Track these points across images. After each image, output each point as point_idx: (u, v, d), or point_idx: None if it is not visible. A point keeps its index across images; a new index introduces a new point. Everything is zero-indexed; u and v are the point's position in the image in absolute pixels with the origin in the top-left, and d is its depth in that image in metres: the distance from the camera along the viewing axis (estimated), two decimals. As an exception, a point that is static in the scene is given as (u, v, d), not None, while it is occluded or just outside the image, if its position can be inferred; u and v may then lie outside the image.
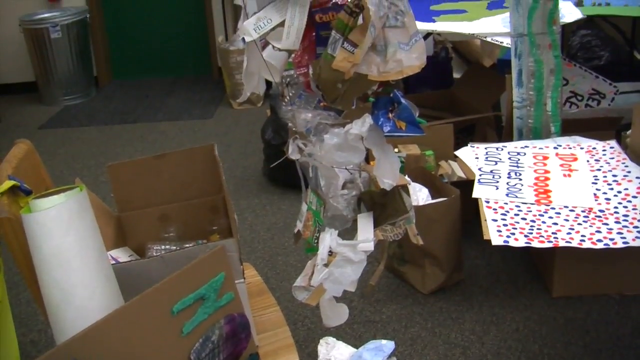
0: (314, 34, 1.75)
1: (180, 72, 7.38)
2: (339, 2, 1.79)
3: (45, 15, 6.67)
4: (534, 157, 3.11)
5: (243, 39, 1.62)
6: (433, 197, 3.22)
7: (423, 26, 3.60)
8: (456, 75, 4.97)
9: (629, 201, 2.73)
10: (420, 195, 3.18)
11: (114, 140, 5.60)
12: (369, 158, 1.79)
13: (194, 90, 6.84)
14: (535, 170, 3.00)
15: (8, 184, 1.62)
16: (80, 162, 5.15)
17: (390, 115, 1.64)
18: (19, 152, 1.87)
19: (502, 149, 3.20)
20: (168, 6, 7.19)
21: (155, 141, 5.49)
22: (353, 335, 2.99)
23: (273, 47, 1.67)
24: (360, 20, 1.55)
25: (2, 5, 6.93)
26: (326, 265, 1.75)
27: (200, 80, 7.18)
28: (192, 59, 7.37)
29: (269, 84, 1.93)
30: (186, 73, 7.37)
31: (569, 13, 3.61)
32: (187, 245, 2.10)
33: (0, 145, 5.54)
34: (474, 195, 2.86)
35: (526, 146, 3.22)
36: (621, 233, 2.54)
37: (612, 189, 2.83)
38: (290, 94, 1.82)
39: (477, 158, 3.14)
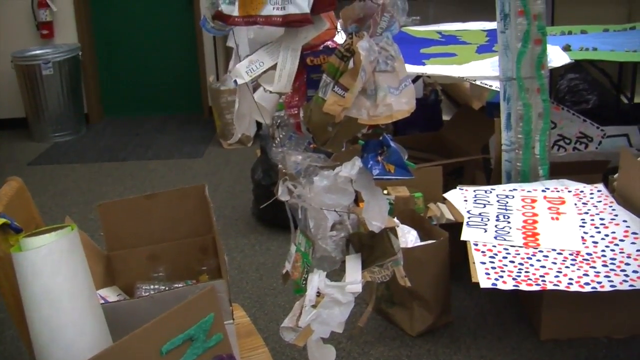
0: (304, 76, 1.77)
1: (171, 110, 7.41)
2: (330, 46, 1.82)
3: (38, 51, 6.69)
4: (522, 200, 3.13)
5: (235, 81, 1.64)
6: (422, 239, 3.23)
7: (413, 69, 3.64)
8: (445, 117, 5.02)
9: (616, 244, 2.75)
10: (409, 237, 3.19)
11: (104, 178, 5.60)
12: (357, 200, 1.80)
13: (185, 129, 6.86)
14: (523, 213, 3.01)
15: (-2, 222, 1.62)
16: (69, 199, 5.14)
17: (379, 158, 1.66)
18: (10, 189, 1.88)
19: (491, 192, 3.22)
20: (160, 45, 7.24)
21: (144, 179, 5.49)
22: (341, 377, 2.98)
23: (264, 89, 1.69)
24: (351, 65, 1.57)
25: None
26: (314, 306, 1.75)
27: (191, 119, 7.20)
28: (183, 97, 7.40)
29: (259, 124, 1.95)
30: (177, 112, 7.40)
31: (557, 58, 3.65)
32: (177, 286, 2.10)
33: (-11, 181, 5.54)
34: (462, 238, 2.87)
35: (514, 189, 3.24)
36: (608, 276, 2.56)
37: (599, 232, 2.85)
38: (281, 136, 1.84)
39: (465, 201, 3.16)
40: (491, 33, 4.32)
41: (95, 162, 6.03)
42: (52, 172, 5.80)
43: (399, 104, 1.59)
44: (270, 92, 1.66)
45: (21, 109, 6.92)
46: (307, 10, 1.52)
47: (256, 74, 1.62)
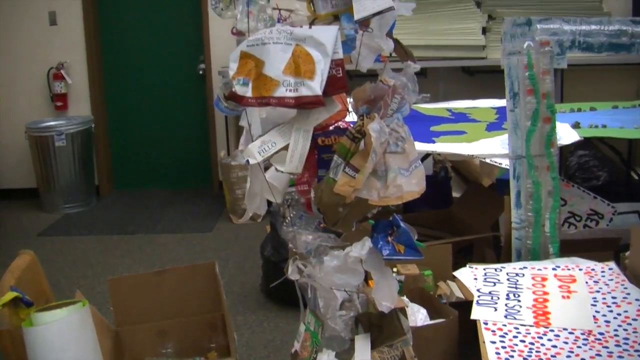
0: (316, 156, 1.79)
1: (181, 184, 7.44)
2: (341, 126, 1.84)
3: (51, 123, 6.77)
4: (533, 278, 3.11)
5: (248, 160, 1.65)
6: (431, 318, 3.20)
7: (423, 147, 3.65)
8: (455, 194, 5.02)
9: (629, 324, 2.71)
10: (418, 316, 3.16)
11: (113, 250, 5.60)
12: (367, 279, 1.80)
13: (194, 203, 6.87)
14: (534, 292, 2.99)
15: (10, 295, 1.63)
16: (78, 272, 5.13)
17: (389, 238, 1.66)
18: (22, 262, 1.89)
19: (501, 270, 3.20)
20: (172, 119, 7.31)
21: (153, 253, 5.48)
22: None
23: (276, 169, 1.70)
24: (362, 146, 1.59)
25: (9, 111, 7.08)
26: (324, 387, 1.74)
27: (201, 193, 7.22)
28: (194, 172, 7.44)
29: (269, 201, 1.95)
30: (187, 186, 7.42)
31: (566, 135, 3.67)
32: (185, 363, 2.09)
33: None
34: (472, 317, 2.84)
35: (525, 267, 3.22)
36: (622, 357, 2.52)
37: (611, 311, 2.81)
38: (291, 215, 1.85)
39: (475, 279, 3.13)
40: (501, 110, 4.35)
41: (104, 234, 6.04)
42: (62, 243, 5.81)
43: (409, 185, 1.60)
44: (282, 172, 1.68)
45: (33, 180, 6.97)
46: (319, 92, 1.55)
47: (268, 154, 1.64)
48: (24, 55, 7.02)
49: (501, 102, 4.26)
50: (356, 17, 1.63)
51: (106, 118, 7.33)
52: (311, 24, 1.76)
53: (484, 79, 5.86)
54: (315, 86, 1.55)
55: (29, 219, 6.58)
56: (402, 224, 1.69)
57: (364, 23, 1.66)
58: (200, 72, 6.99)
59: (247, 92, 1.61)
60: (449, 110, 4.64)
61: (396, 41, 1.79)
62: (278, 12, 2.00)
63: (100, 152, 7.20)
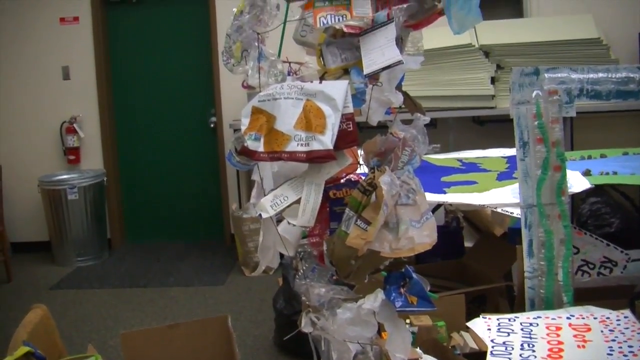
0: (327, 208, 1.80)
1: (192, 237, 7.44)
2: (353, 179, 1.85)
3: (64, 176, 6.84)
4: (547, 327, 3.08)
5: (260, 214, 1.66)
6: (445, 369, 3.17)
7: (435, 198, 3.66)
8: (467, 244, 5.00)
9: (646, 374, 2.69)
10: (432, 366, 3.13)
11: (124, 304, 5.58)
12: (380, 331, 1.79)
13: (206, 256, 6.86)
14: (548, 342, 2.96)
15: (23, 350, 1.63)
16: (89, 325, 5.11)
17: (401, 290, 1.67)
18: (35, 317, 1.89)
19: (515, 320, 3.18)
20: (184, 172, 7.35)
21: (165, 306, 5.47)
22: None
23: (288, 222, 1.71)
24: (373, 198, 1.60)
25: (22, 164, 7.14)
26: None
27: (213, 246, 7.21)
28: (205, 224, 7.45)
29: (281, 253, 1.96)
30: (199, 238, 7.42)
31: (577, 183, 3.67)
32: (197, 418, 2.08)
33: (11, 304, 5.55)
34: (487, 367, 2.82)
35: (539, 317, 3.20)
36: (639, 408, 2.49)
37: (627, 361, 2.79)
38: (304, 268, 1.85)
39: (489, 329, 3.11)
40: (511, 159, 4.36)
41: (116, 287, 6.03)
42: (74, 296, 5.80)
43: (421, 237, 1.60)
44: (294, 225, 1.68)
45: (45, 233, 7.00)
46: (331, 146, 1.56)
47: (280, 208, 1.65)
48: (37, 109, 7.12)
49: (511, 151, 4.26)
50: (366, 71, 1.65)
51: (118, 171, 7.39)
52: (321, 78, 1.78)
53: (494, 128, 5.88)
54: (326, 140, 1.56)
55: (41, 272, 6.59)
56: (414, 275, 1.69)
57: (374, 77, 1.68)
58: (212, 125, 7.05)
59: (259, 147, 1.63)
60: (459, 160, 4.65)
61: (405, 94, 1.82)
62: (288, 65, 2.03)
63: (112, 205, 7.23)
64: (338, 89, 1.62)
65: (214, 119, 7.02)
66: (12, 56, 7.09)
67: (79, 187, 6.67)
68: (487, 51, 5.68)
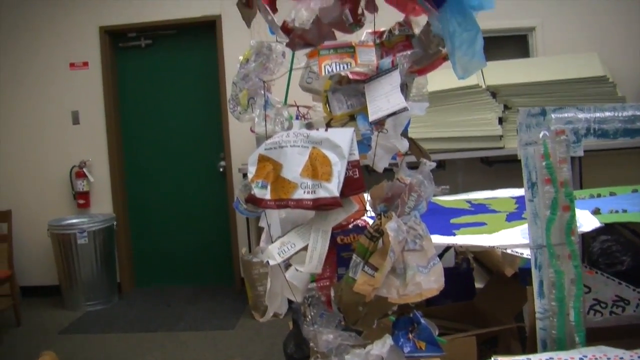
0: (335, 254, 1.80)
1: (202, 281, 7.42)
2: (360, 224, 1.85)
3: (74, 220, 6.87)
4: (560, 369, 3.06)
5: (267, 261, 1.67)
6: (457, 412, 3.14)
7: (444, 240, 3.65)
8: (478, 285, 4.98)
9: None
10: (444, 410, 3.10)
11: (134, 348, 5.56)
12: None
13: (216, 301, 6.84)
14: (561, 384, 2.94)
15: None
16: (99, 371, 5.10)
17: (410, 335, 1.66)
18: (44, 366, 1.89)
19: (527, 362, 3.15)
20: (193, 217, 7.36)
21: (175, 351, 5.44)
22: None
23: (296, 269, 1.71)
24: (380, 244, 1.60)
25: (32, 209, 7.18)
26: None
27: (223, 290, 7.19)
28: (215, 268, 7.43)
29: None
30: (208, 282, 7.40)
31: (587, 222, 3.65)
32: None
33: (20, 349, 5.54)
34: (499, 411, 2.79)
35: (551, 358, 3.17)
36: None
37: (643, 403, 2.75)
38: (312, 314, 1.85)
39: (501, 371, 3.09)
40: (520, 200, 4.36)
41: (126, 332, 6.01)
42: (83, 341, 5.78)
43: (428, 282, 1.60)
44: (302, 272, 1.69)
45: (54, 277, 7.00)
46: (337, 194, 1.57)
47: (288, 255, 1.66)
48: (47, 154, 7.19)
49: (520, 192, 4.25)
50: (371, 118, 1.66)
51: (128, 215, 7.40)
52: (327, 124, 1.80)
53: (502, 168, 5.89)
54: (332, 188, 1.57)
55: (51, 316, 6.58)
56: (422, 320, 1.69)
57: (379, 124, 1.69)
58: (221, 169, 7.08)
59: (266, 194, 1.64)
60: (468, 201, 4.64)
61: (411, 140, 1.83)
62: (296, 108, 2.05)
63: (122, 249, 7.24)
64: (344, 137, 1.63)
65: (223, 163, 7.05)
66: (22, 100, 7.18)
67: (89, 232, 6.69)
68: (494, 92, 5.70)
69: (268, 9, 1.72)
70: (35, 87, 7.15)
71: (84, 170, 7.08)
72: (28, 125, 7.19)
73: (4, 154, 7.24)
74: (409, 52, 1.73)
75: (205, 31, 7.00)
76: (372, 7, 1.79)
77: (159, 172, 7.35)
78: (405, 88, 1.78)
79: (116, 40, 7.20)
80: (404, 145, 1.77)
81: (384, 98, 1.65)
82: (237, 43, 6.54)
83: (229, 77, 6.75)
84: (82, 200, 7.15)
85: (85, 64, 7.10)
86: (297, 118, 2.05)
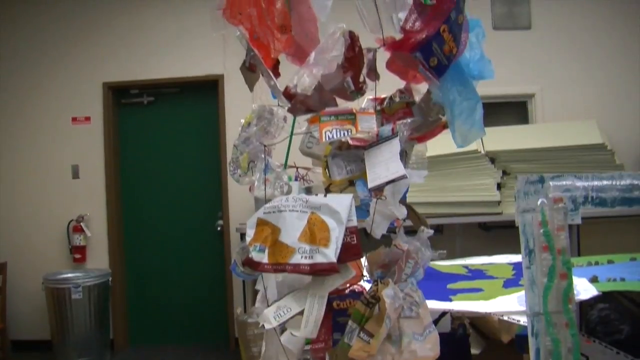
0: (331, 319, 1.79)
1: (196, 340, 7.34)
2: (356, 290, 1.85)
3: (69, 275, 6.80)
4: None
5: (263, 326, 1.66)
6: None
7: (441, 305, 3.63)
8: (474, 351, 4.93)
9: None
10: None
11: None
12: None
13: (210, 360, 6.79)
14: None
15: None
16: None
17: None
18: None
19: None
20: (190, 275, 7.32)
21: (167, 410, 5.38)
22: None
23: (291, 333, 1.71)
24: (376, 310, 1.60)
25: (27, 261, 7.13)
26: None
27: (217, 350, 7.09)
28: (210, 328, 7.36)
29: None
30: (203, 341, 7.32)
31: (584, 290, 3.64)
32: None
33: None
34: None
35: None
36: None
37: None
38: (308, 379, 1.84)
39: None
40: (517, 266, 4.34)
41: (118, 390, 5.95)
42: (74, 400, 5.72)
43: (424, 350, 1.60)
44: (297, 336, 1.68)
45: (47, 331, 6.90)
46: (334, 259, 1.57)
47: (283, 320, 1.65)
48: (45, 207, 7.18)
49: (517, 258, 4.25)
50: (370, 185, 1.67)
51: (124, 271, 7.37)
52: (326, 189, 1.81)
53: (500, 234, 5.87)
54: (330, 254, 1.58)
55: (41, 372, 6.51)
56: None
57: (378, 191, 1.70)
58: (219, 229, 7.07)
59: (263, 258, 1.64)
60: (465, 267, 4.63)
61: (409, 207, 1.84)
62: (296, 170, 2.06)
63: (116, 305, 7.19)
64: (342, 203, 1.64)
65: (220, 222, 7.05)
66: (23, 152, 7.20)
67: (84, 287, 6.64)
68: (493, 157, 5.73)
69: (271, 73, 1.75)
70: (37, 139, 7.18)
71: (82, 224, 7.07)
72: (27, 177, 7.19)
73: (2, 205, 7.23)
74: (409, 120, 1.76)
75: (207, 90, 7.07)
76: (374, 75, 1.82)
77: (157, 229, 7.34)
78: (404, 155, 1.80)
79: (119, 96, 7.27)
80: (402, 212, 1.78)
81: (384, 165, 1.66)
82: (239, 102, 6.61)
83: (230, 136, 6.80)
84: (78, 254, 7.12)
85: (88, 118, 7.15)
86: (296, 179, 2.07)
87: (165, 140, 7.28)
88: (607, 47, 6.57)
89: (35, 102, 7.18)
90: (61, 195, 7.17)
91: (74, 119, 7.17)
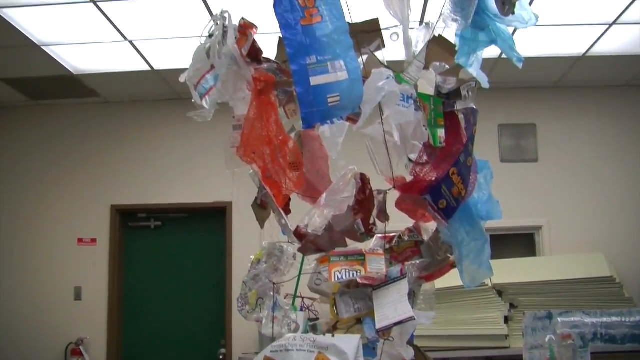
0: None
1: None
2: None
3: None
4: None
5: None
6: None
7: None
8: None
9: None
10: None
11: None
12: None
13: None
14: None
15: None
16: None
17: None
18: None
19: None
20: (184, 334, 7.13)
21: None
22: None
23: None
24: None
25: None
26: None
27: None
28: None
29: None
30: None
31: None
32: None
33: None
34: None
35: None
36: None
37: None
38: None
39: None
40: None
41: None
42: None
43: None
44: None
45: None
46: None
47: None
48: (45, 328, 7.02)
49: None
50: (378, 326, 1.67)
51: (122, 334, 7.20)
52: (334, 326, 1.80)
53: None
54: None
55: None
56: None
57: (386, 331, 1.70)
58: (221, 357, 6.92)
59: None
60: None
61: (416, 348, 1.82)
62: (301, 300, 2.06)
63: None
64: (350, 343, 1.63)
65: (223, 350, 6.92)
66: (26, 271, 7.12)
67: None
68: (500, 290, 5.69)
69: (282, 212, 1.77)
70: (41, 258, 7.12)
71: (81, 348, 6.92)
72: (29, 297, 7.08)
73: (1, 324, 7.13)
74: (417, 261, 1.77)
75: (215, 216, 7.09)
76: (384, 217, 1.84)
77: (157, 355, 7.20)
78: (412, 295, 1.80)
79: (126, 219, 7.29)
80: (409, 353, 1.76)
81: (392, 306, 1.66)
82: (247, 229, 6.57)
83: (236, 263, 6.79)
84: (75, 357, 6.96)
85: (94, 240, 7.15)
86: (301, 309, 2.06)
87: (171, 265, 7.25)
88: (613, 180, 6.65)
89: (42, 221, 7.18)
90: (62, 317, 7.06)
91: (80, 240, 7.15)
